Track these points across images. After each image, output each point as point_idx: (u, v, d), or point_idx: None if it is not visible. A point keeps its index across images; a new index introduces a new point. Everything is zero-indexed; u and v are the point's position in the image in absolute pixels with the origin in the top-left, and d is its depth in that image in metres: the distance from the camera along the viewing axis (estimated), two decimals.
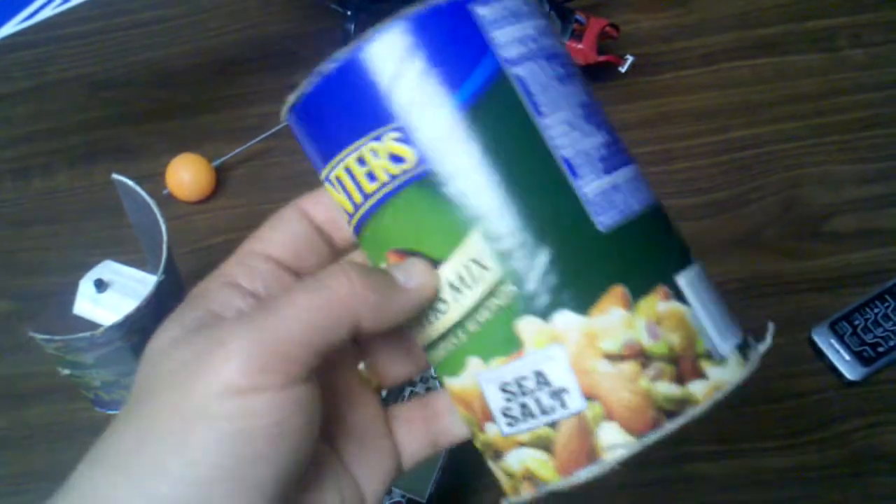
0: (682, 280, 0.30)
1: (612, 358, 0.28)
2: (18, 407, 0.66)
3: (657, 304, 0.29)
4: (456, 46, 0.29)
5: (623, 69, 0.76)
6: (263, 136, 0.78)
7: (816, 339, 0.64)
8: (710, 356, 0.29)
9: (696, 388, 0.28)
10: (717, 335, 0.30)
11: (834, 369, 0.63)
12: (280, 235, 0.34)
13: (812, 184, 0.73)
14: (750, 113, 0.78)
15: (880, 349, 0.62)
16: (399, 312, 0.29)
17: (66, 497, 0.28)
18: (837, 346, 0.63)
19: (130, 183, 0.57)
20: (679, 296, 0.29)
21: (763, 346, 0.32)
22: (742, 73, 0.80)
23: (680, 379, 0.28)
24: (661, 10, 0.84)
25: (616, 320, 0.28)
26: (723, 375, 0.29)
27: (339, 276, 0.29)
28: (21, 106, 0.84)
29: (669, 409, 0.28)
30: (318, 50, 0.85)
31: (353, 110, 0.30)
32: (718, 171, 0.74)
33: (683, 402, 0.28)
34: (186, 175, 0.76)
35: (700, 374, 0.29)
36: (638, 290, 0.29)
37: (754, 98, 0.78)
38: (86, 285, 0.62)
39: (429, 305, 0.30)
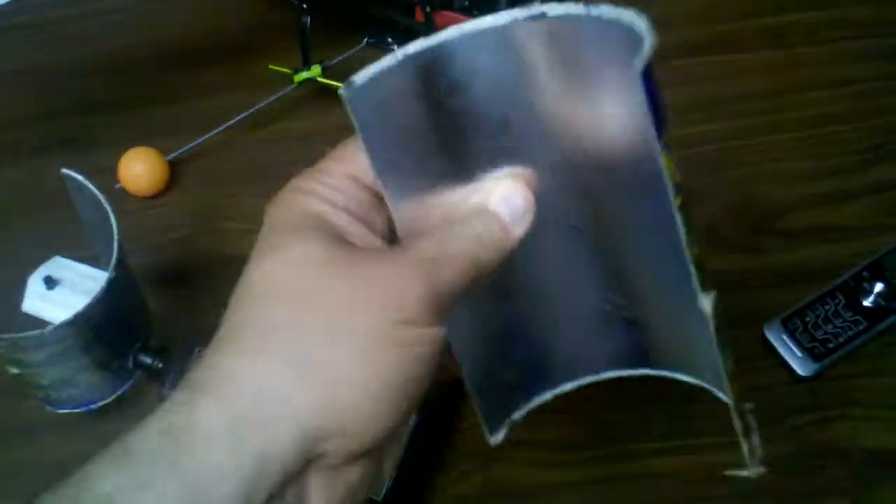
0: None
1: None
2: None
3: None
4: None
5: None
6: (218, 129, 0.77)
7: (768, 335, 0.64)
8: None
9: None
10: None
11: (786, 365, 0.63)
12: (361, 155, 0.35)
13: (767, 180, 0.74)
14: (705, 110, 0.78)
15: (830, 345, 0.63)
16: (513, 240, 0.34)
17: (227, 381, 0.30)
18: (789, 342, 0.64)
19: (80, 177, 0.56)
20: None
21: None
22: (697, 70, 0.81)
23: None
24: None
25: None
26: None
27: (489, 219, 0.33)
28: None
29: None
30: (275, 42, 0.84)
31: None
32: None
33: None
34: (139, 169, 0.74)
35: None
36: None
37: (709, 95, 0.79)
38: (35, 282, 0.61)
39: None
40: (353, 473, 0.32)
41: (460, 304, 0.33)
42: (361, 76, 0.32)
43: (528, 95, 0.33)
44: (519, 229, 0.34)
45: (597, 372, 0.44)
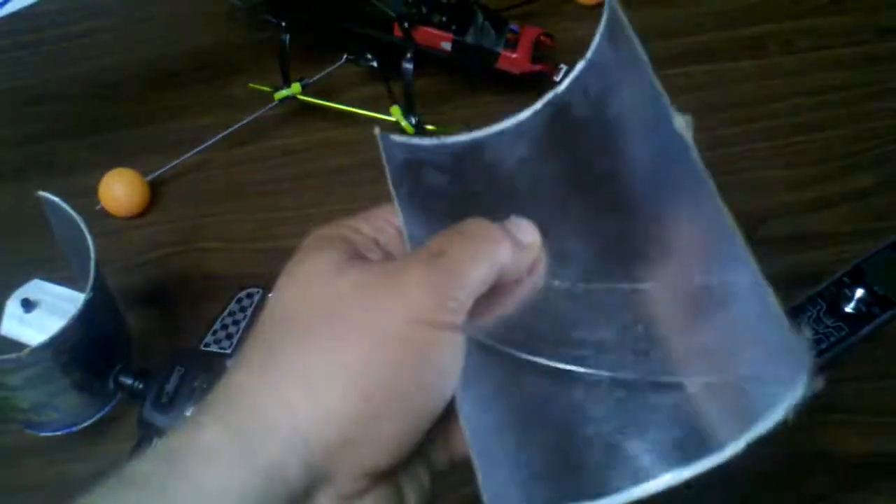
0: None
1: None
2: None
3: None
4: None
5: (557, 78, 0.77)
6: (199, 148, 0.77)
7: None
8: None
9: None
10: None
11: None
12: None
13: (746, 189, 0.74)
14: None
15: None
16: (522, 266, 0.33)
17: (232, 398, 0.29)
18: None
19: (56, 199, 0.56)
20: None
21: None
22: (676, 81, 0.81)
23: None
24: (596, 18, 0.84)
25: None
26: None
27: (496, 231, 0.33)
28: None
29: None
30: (254, 61, 0.84)
31: None
32: None
33: None
34: (120, 190, 0.74)
35: None
36: None
37: (688, 105, 0.78)
38: (13, 305, 0.61)
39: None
40: (368, 503, 0.30)
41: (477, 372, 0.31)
42: (399, 136, 0.37)
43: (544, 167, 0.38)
44: (528, 237, 0.34)
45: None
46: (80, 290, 0.61)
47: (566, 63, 0.77)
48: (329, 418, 0.28)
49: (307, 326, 0.30)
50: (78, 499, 0.27)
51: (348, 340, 0.29)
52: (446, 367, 0.30)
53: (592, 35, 0.36)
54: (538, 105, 0.39)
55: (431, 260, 0.31)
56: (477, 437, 0.31)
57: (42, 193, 0.57)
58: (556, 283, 0.35)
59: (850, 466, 0.60)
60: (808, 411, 0.63)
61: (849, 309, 0.65)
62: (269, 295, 0.33)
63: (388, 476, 0.31)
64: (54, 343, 0.53)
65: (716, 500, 0.60)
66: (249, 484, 0.27)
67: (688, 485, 0.28)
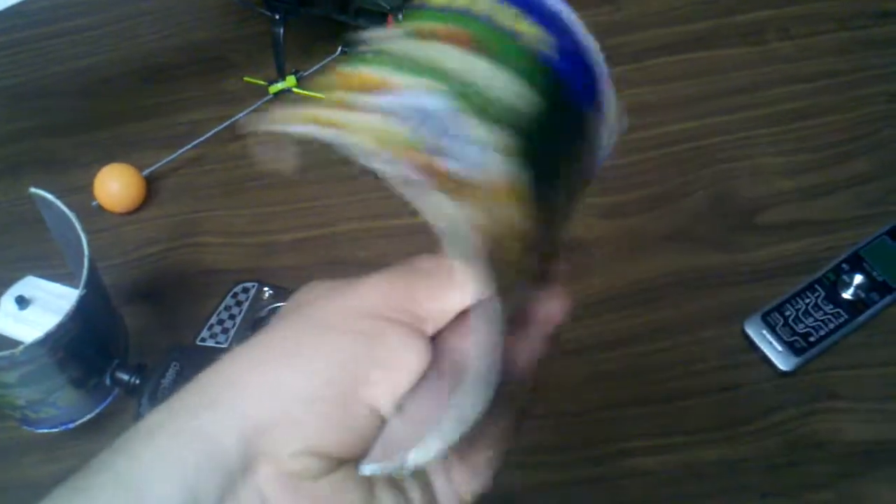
0: None
1: None
2: None
3: None
4: None
5: None
6: (194, 143, 0.77)
7: (749, 331, 0.64)
8: None
9: None
10: None
11: (767, 360, 0.63)
12: None
13: (744, 176, 0.74)
14: (681, 108, 0.78)
15: (811, 339, 0.63)
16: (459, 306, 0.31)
17: (188, 388, 0.30)
18: (770, 337, 0.64)
19: (49, 196, 0.56)
20: None
21: None
22: (673, 69, 0.81)
23: None
24: (591, 8, 0.84)
25: None
26: None
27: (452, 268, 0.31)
28: None
29: None
30: (249, 55, 0.84)
31: None
32: (651, 167, 0.75)
33: None
34: (115, 185, 0.74)
35: None
36: None
37: (685, 93, 0.79)
38: (7, 302, 0.61)
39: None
40: (322, 489, 0.30)
41: None
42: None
43: None
44: None
45: None
46: (76, 286, 0.61)
47: None
48: (272, 394, 0.29)
49: (276, 324, 0.32)
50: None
51: (306, 331, 0.30)
52: (393, 356, 0.30)
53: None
54: None
55: (392, 272, 0.31)
56: None
57: (35, 190, 0.57)
58: None
59: (851, 454, 0.60)
60: (810, 399, 0.63)
61: (847, 295, 0.65)
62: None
63: (347, 462, 0.30)
64: (49, 340, 0.52)
65: (716, 488, 0.60)
66: (184, 455, 0.28)
67: None
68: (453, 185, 0.26)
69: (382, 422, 0.30)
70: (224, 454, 0.28)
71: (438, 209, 0.26)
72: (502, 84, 0.29)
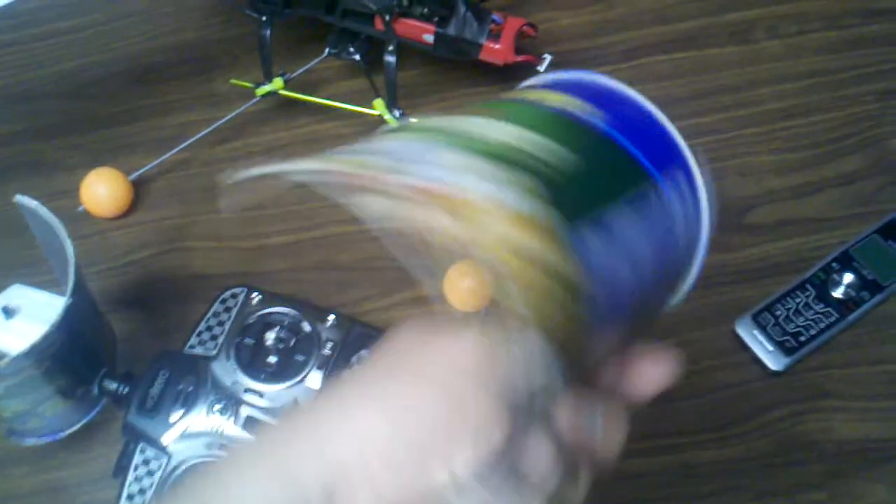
0: None
1: None
2: None
3: None
4: None
5: (541, 68, 0.76)
6: (181, 146, 0.76)
7: (740, 331, 0.64)
8: None
9: None
10: None
11: (758, 360, 0.63)
12: None
13: (733, 176, 0.74)
14: (670, 107, 0.76)
15: (801, 338, 0.63)
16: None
17: (300, 418, 0.33)
18: (760, 337, 0.63)
19: (33, 202, 0.55)
20: None
21: None
22: (662, 68, 0.80)
23: None
24: (581, 7, 0.84)
25: None
26: None
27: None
28: None
29: None
30: (235, 57, 0.83)
31: None
32: None
33: None
34: (102, 190, 0.73)
35: None
36: None
37: (674, 92, 0.79)
38: None
39: None
40: None
41: None
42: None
43: None
44: None
45: None
46: (63, 293, 0.61)
47: (550, 53, 0.76)
48: (354, 440, 0.30)
49: (370, 365, 0.33)
50: None
51: (398, 378, 0.31)
52: (479, 433, 0.30)
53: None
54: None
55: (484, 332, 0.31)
56: None
57: (19, 197, 0.56)
58: None
59: (843, 453, 0.60)
60: (801, 399, 0.63)
61: (838, 294, 0.65)
62: None
63: None
64: (35, 352, 0.52)
65: (709, 489, 0.60)
66: (269, 491, 0.29)
67: None
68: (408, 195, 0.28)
69: (457, 487, 0.30)
70: (305, 494, 0.29)
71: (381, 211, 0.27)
72: (514, 136, 0.29)
